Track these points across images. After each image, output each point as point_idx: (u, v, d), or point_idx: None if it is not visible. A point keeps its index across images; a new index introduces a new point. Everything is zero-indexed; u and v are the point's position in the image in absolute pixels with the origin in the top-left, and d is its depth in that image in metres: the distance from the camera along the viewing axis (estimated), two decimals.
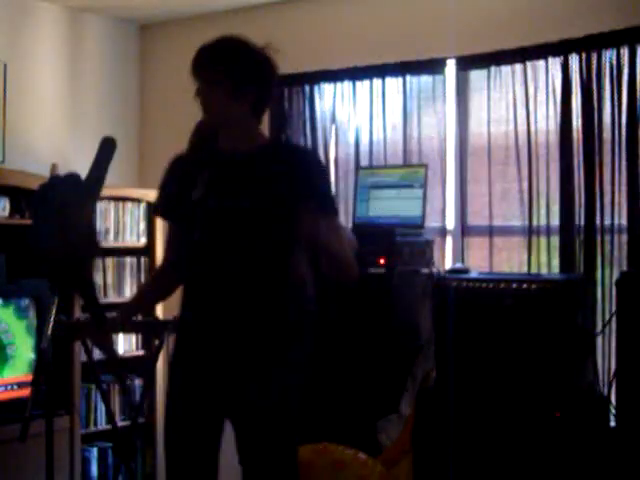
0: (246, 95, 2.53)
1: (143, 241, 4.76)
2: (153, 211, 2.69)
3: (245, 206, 2.48)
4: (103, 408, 4.44)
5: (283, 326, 2.51)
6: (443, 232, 4.24)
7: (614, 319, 3.41)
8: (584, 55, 3.82)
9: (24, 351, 4.04)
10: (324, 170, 2.67)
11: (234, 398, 2.52)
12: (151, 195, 4.73)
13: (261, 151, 2.57)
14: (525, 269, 4.00)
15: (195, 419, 2.57)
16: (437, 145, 4.28)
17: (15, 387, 4.01)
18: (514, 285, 3.49)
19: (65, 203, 2.39)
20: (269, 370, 2.49)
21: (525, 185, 4.01)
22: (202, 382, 2.54)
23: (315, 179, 2.54)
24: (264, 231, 2.48)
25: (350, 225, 4.23)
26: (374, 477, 3.45)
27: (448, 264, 4.17)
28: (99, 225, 4.47)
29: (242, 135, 2.58)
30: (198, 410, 2.56)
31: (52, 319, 2.42)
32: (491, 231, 4.12)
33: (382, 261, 3.75)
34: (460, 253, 4.21)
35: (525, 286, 3.47)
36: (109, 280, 4.59)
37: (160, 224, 4.71)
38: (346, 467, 3.46)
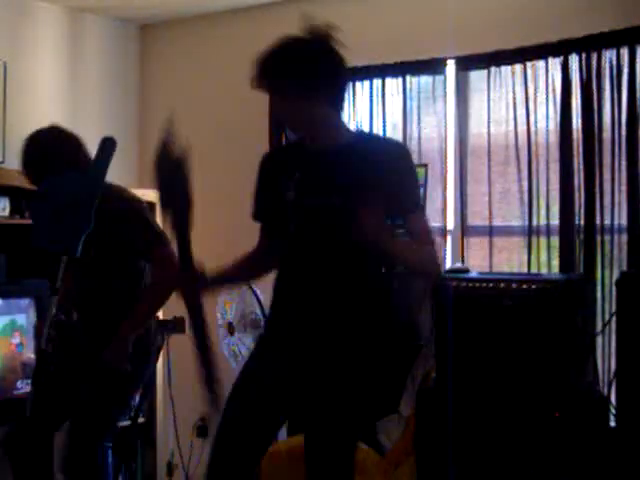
0: (319, 94, 2.46)
1: None
2: (252, 217, 2.68)
3: (336, 204, 2.45)
4: None
5: (369, 330, 2.55)
6: (443, 232, 4.24)
7: (614, 319, 3.40)
8: (584, 55, 3.82)
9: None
10: (410, 164, 2.58)
11: (310, 396, 2.53)
12: (151, 195, 4.73)
13: (347, 146, 2.52)
14: (525, 269, 4.00)
15: (262, 404, 2.56)
16: (437, 145, 4.28)
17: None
18: (514, 285, 3.49)
19: (65, 203, 2.39)
20: (351, 376, 2.52)
21: (525, 185, 4.01)
22: (281, 370, 2.54)
23: (401, 173, 2.49)
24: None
25: None
26: (372, 466, 3.45)
27: (448, 264, 4.17)
28: None
29: (327, 132, 2.53)
30: (267, 397, 2.55)
31: (52, 319, 2.42)
32: (491, 231, 4.12)
33: None
34: (460, 253, 4.21)
35: (525, 286, 3.47)
36: None
37: (160, 224, 4.71)
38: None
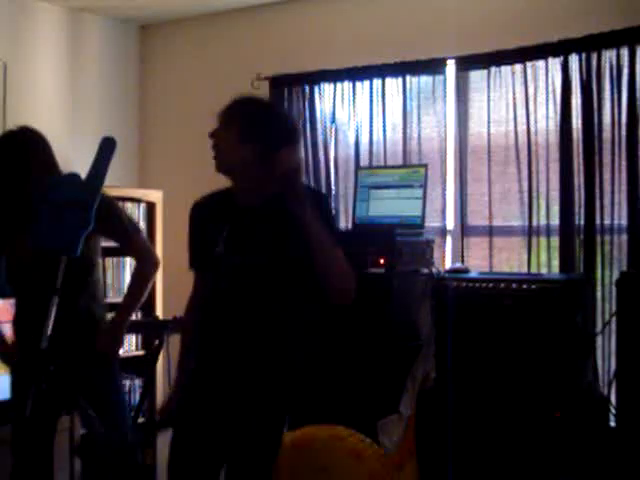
0: (251, 143, 2.55)
1: None
2: (190, 267, 2.76)
3: (262, 262, 2.56)
4: None
5: (287, 370, 2.62)
6: (443, 232, 4.24)
7: (614, 319, 3.41)
8: (584, 55, 3.83)
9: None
10: (328, 209, 2.75)
11: (233, 430, 2.61)
12: (151, 195, 4.74)
13: (271, 202, 2.60)
14: (525, 269, 4.00)
15: (198, 449, 2.65)
16: (437, 145, 4.28)
17: None
18: (514, 285, 3.49)
19: (65, 203, 2.39)
20: (266, 413, 2.59)
21: (525, 185, 4.01)
22: (207, 413, 2.64)
23: (326, 219, 2.58)
24: (282, 284, 2.57)
25: (350, 225, 4.24)
26: (369, 453, 3.45)
27: (448, 264, 4.17)
28: None
29: (252, 186, 2.61)
30: (201, 440, 2.65)
31: (52, 320, 2.42)
32: (491, 231, 4.12)
33: (382, 261, 3.75)
34: (460, 253, 4.21)
35: (525, 286, 3.47)
36: (109, 280, 4.59)
37: (160, 224, 4.72)
38: (342, 441, 3.47)
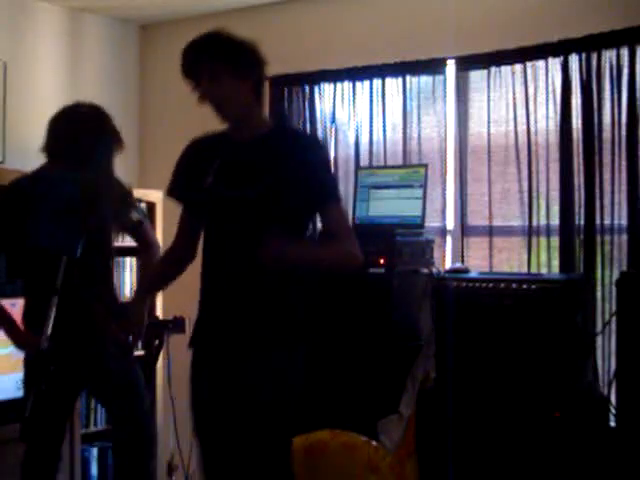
0: (249, 75, 2.59)
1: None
2: (167, 193, 2.74)
3: (250, 196, 2.52)
4: (103, 408, 4.43)
5: (287, 317, 2.58)
6: (443, 232, 4.24)
7: (614, 319, 3.41)
8: (584, 55, 3.82)
9: None
10: (323, 156, 2.73)
11: (235, 385, 2.59)
12: (151, 195, 4.73)
13: (264, 138, 2.61)
14: (525, 269, 4.00)
15: (209, 409, 2.66)
16: (437, 145, 4.28)
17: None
18: (514, 285, 3.49)
19: (65, 203, 2.39)
20: (270, 357, 2.55)
21: (525, 185, 4.01)
22: (211, 368, 2.64)
23: (312, 166, 2.57)
24: (270, 220, 2.51)
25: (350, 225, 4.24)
26: (384, 465, 3.46)
27: (448, 264, 4.17)
28: None
29: (249, 122, 2.63)
30: (209, 398, 2.65)
31: (51, 320, 2.42)
32: (491, 231, 4.12)
33: (382, 261, 3.74)
34: (460, 253, 4.20)
35: (525, 286, 3.47)
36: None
37: (160, 225, 4.71)
38: (357, 451, 3.48)
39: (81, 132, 3.10)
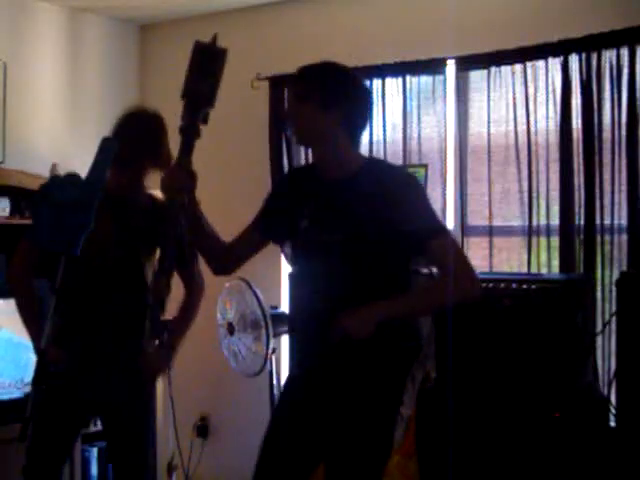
0: (335, 108, 2.46)
1: None
2: (261, 233, 2.70)
3: (338, 239, 2.44)
4: None
5: (383, 366, 2.52)
6: None
7: (614, 319, 3.40)
8: (584, 55, 3.82)
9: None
10: (418, 191, 2.55)
11: (332, 435, 2.50)
12: None
13: (355, 177, 2.49)
14: (525, 269, 4.00)
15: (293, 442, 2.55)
16: (437, 145, 4.28)
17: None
18: (514, 285, 3.49)
19: (65, 203, 2.39)
20: (368, 416, 2.48)
21: (525, 185, 4.01)
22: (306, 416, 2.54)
23: (409, 202, 2.46)
24: (364, 264, 2.44)
25: None
26: (392, 465, 3.46)
27: None
28: None
29: (335, 158, 2.51)
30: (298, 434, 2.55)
31: (51, 320, 2.42)
32: (491, 231, 4.12)
33: None
34: None
35: (525, 286, 3.46)
36: None
37: None
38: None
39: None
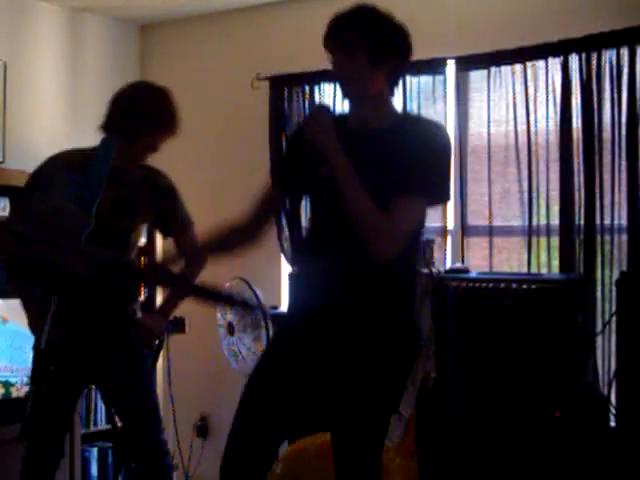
0: (384, 63, 2.43)
1: (143, 240, 4.75)
2: (275, 179, 2.63)
3: (367, 185, 2.35)
4: (103, 408, 4.44)
5: (386, 316, 2.46)
6: (443, 232, 4.24)
7: (614, 319, 3.40)
8: (584, 55, 3.82)
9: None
10: (442, 152, 2.44)
11: (329, 397, 2.48)
12: None
13: (390, 128, 2.46)
14: (525, 269, 4.00)
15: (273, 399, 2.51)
16: None
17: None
18: (514, 285, 3.49)
19: (65, 203, 2.39)
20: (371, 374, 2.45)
21: (525, 185, 4.01)
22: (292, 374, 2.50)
23: (425, 160, 2.37)
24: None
25: None
26: (394, 466, 3.46)
27: (448, 264, 4.17)
28: None
29: (375, 110, 2.48)
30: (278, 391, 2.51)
31: (50, 319, 2.41)
32: (491, 231, 4.12)
33: None
34: (460, 253, 4.21)
35: (525, 286, 3.46)
36: None
37: None
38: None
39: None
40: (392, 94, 2.53)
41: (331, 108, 2.54)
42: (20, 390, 4.05)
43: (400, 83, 2.56)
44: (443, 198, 2.52)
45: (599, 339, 3.70)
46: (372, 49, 2.41)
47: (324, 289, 2.43)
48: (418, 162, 2.36)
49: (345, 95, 2.54)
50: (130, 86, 3.25)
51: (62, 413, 3.24)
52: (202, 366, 4.84)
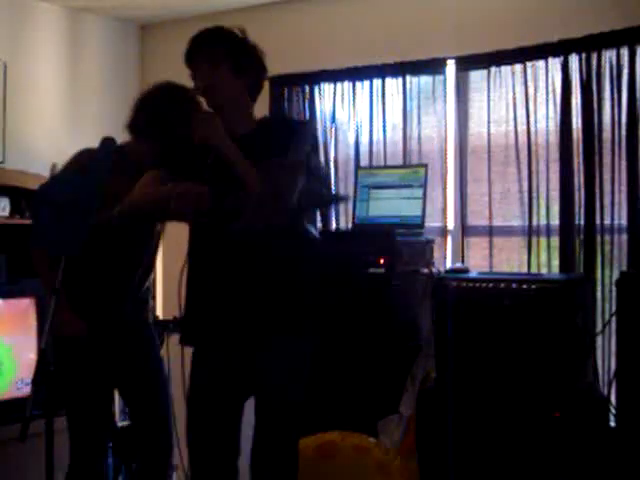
0: (246, 73, 2.67)
1: None
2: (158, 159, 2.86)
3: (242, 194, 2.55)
4: None
5: (295, 301, 2.62)
6: (443, 232, 4.24)
7: (614, 319, 3.41)
8: (584, 55, 3.82)
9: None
10: (306, 135, 2.78)
11: (253, 370, 2.64)
12: None
13: (257, 129, 2.69)
14: (525, 269, 4.00)
15: (217, 401, 2.68)
16: (437, 145, 4.28)
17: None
18: (514, 285, 3.49)
19: (66, 203, 2.39)
20: (285, 339, 2.61)
21: (525, 185, 4.01)
22: (221, 360, 2.66)
23: (287, 133, 2.66)
24: None
25: (350, 225, 4.25)
26: (394, 467, 3.46)
27: (448, 264, 4.17)
28: None
29: (241, 117, 2.69)
30: (220, 391, 2.68)
31: (51, 319, 2.42)
32: (491, 231, 4.12)
33: (382, 261, 3.75)
34: (460, 253, 4.21)
35: (525, 286, 3.46)
36: None
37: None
38: (367, 453, 3.48)
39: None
40: (253, 103, 2.78)
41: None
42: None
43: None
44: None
45: (599, 339, 3.70)
46: (235, 60, 2.65)
47: (235, 286, 2.60)
48: (285, 149, 2.60)
49: (212, 106, 2.70)
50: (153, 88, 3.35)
51: (101, 410, 3.26)
52: None
